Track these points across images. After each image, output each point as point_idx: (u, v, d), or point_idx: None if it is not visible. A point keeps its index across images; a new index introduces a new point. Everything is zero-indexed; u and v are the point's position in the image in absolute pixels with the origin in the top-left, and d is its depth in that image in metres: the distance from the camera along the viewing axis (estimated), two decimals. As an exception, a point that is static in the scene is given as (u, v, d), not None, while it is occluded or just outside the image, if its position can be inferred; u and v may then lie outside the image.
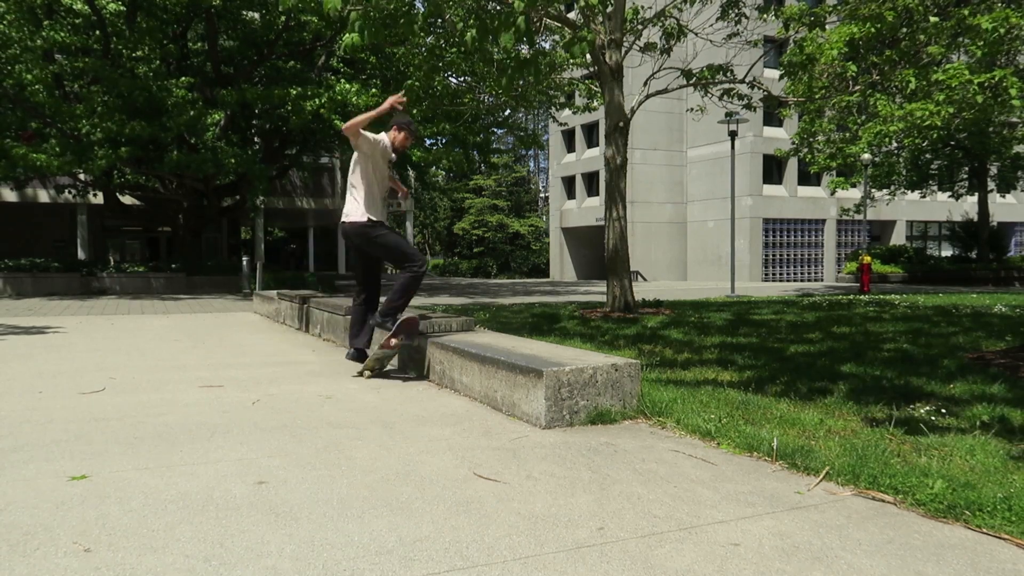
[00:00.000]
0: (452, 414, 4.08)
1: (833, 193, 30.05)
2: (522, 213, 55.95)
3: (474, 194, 54.54)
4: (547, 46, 15.35)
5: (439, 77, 11.77)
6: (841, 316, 10.08)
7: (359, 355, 5.42)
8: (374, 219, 5.19)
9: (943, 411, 3.81)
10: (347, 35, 6.02)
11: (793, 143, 20.43)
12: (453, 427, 3.76)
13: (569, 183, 42.30)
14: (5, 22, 16.07)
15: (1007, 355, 5.82)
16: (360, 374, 5.35)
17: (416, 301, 14.79)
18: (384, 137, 5.36)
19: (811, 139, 19.17)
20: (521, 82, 11.07)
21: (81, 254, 24.33)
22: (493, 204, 53.56)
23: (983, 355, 5.95)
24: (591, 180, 40.03)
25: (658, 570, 2.06)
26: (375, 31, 6.12)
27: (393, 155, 5.41)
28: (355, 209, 5.22)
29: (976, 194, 28.54)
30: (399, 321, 5.10)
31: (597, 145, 38.72)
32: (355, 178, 5.25)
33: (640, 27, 11.53)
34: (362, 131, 5.13)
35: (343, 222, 5.30)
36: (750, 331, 8.02)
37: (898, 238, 37.96)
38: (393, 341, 5.07)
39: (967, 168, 28.06)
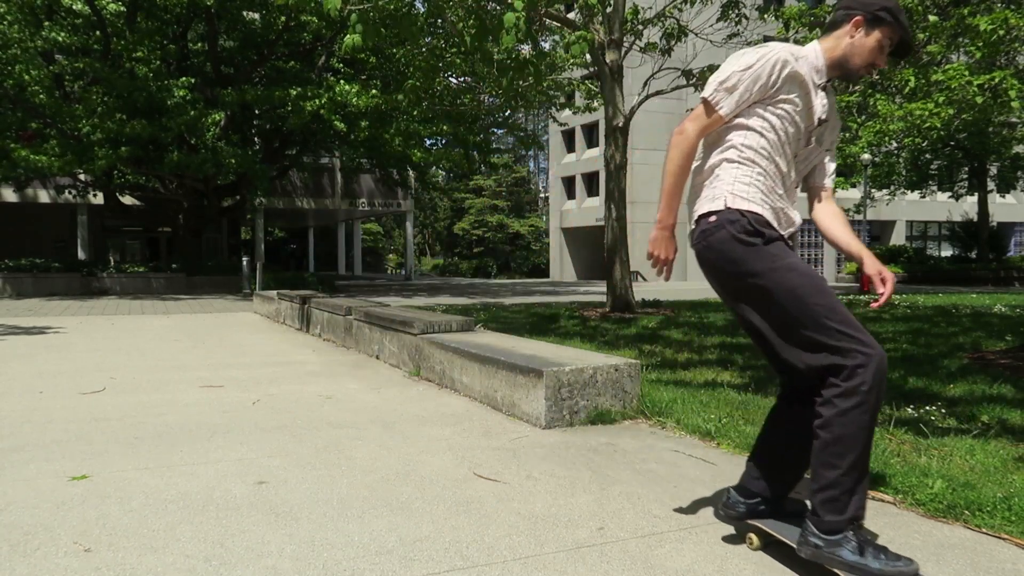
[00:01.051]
0: (452, 414, 4.08)
1: (833, 193, 30.03)
2: (522, 213, 55.97)
3: (474, 194, 54.56)
4: (547, 46, 15.36)
5: (439, 77, 11.77)
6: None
7: (752, 507, 2.24)
8: (754, 222, 2.12)
9: (943, 411, 3.81)
10: (348, 36, 6.01)
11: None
12: (453, 427, 3.76)
13: (569, 183, 42.29)
14: (5, 22, 16.07)
15: (1007, 355, 5.82)
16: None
17: (418, 301, 14.73)
18: (811, 53, 2.20)
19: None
20: (521, 82, 11.07)
21: (81, 254, 24.32)
22: (493, 204, 53.58)
23: (983, 355, 5.95)
24: (591, 180, 40.01)
25: (658, 570, 2.06)
26: (375, 31, 6.12)
27: (823, 96, 2.22)
28: (716, 197, 2.18)
29: (976, 194, 28.54)
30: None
31: (597, 145, 38.71)
32: (753, 138, 2.17)
33: (640, 27, 11.54)
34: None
35: (696, 228, 2.23)
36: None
37: (898, 238, 37.95)
38: None
39: (967, 168, 28.06)
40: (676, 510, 2.53)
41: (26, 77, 16.22)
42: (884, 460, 2.94)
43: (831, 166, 2.37)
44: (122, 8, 17.98)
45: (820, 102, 2.20)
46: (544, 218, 55.37)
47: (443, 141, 21.48)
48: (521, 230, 52.91)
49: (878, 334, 7.70)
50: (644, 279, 34.99)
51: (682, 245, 37.55)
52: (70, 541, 2.23)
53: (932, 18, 7.65)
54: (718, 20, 11.48)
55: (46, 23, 17.27)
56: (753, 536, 2.23)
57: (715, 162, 2.21)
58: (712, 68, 11.11)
